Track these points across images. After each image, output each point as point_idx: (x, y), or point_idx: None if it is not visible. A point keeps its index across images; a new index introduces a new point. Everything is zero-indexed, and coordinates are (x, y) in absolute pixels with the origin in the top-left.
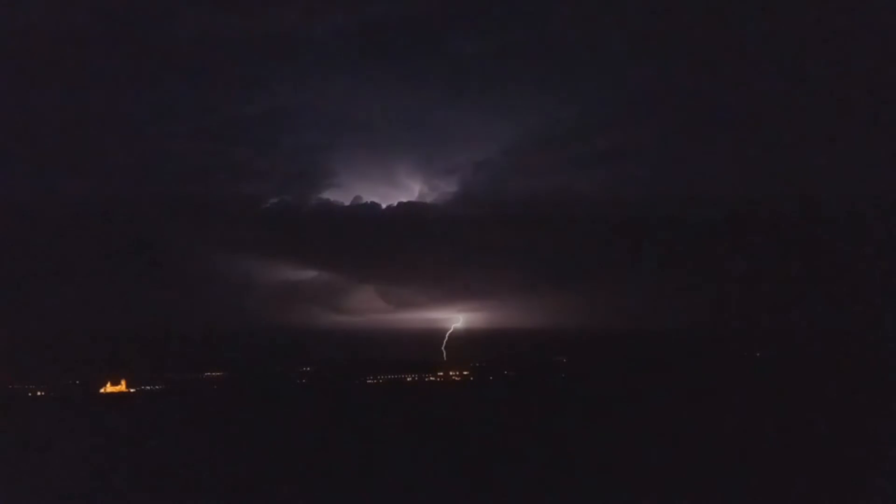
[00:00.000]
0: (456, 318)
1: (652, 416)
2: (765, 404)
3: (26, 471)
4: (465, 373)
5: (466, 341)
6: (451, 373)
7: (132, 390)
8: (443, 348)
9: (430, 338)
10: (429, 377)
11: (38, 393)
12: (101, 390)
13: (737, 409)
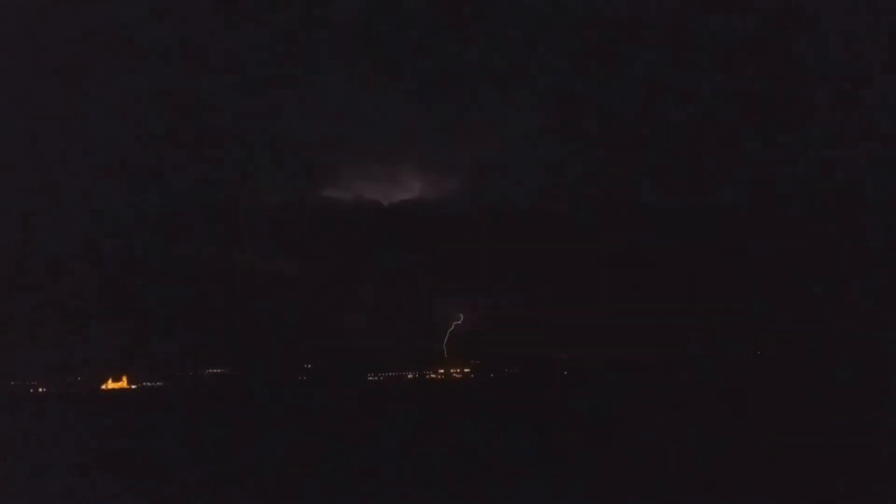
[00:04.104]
0: (457, 316)
1: (652, 415)
2: (764, 403)
3: (25, 469)
4: (465, 370)
5: (467, 339)
6: (451, 370)
7: (133, 387)
8: (444, 345)
9: (431, 335)
10: (429, 374)
11: (41, 389)
12: (103, 387)
13: (739, 409)
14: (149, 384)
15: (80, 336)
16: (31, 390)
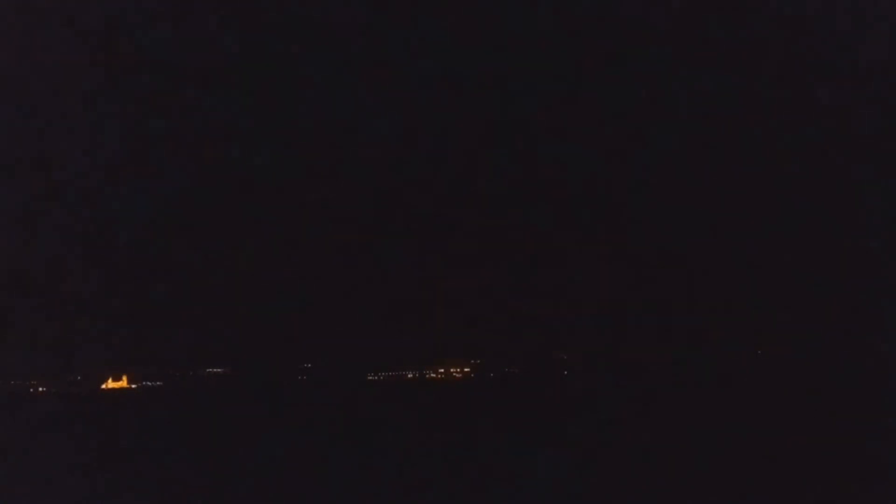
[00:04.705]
0: (457, 315)
1: (653, 415)
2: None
3: (25, 469)
4: (465, 369)
5: (467, 338)
6: (451, 370)
7: (133, 386)
8: (444, 345)
9: (431, 335)
10: (429, 374)
11: (41, 389)
12: (103, 386)
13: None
14: (149, 384)
15: (80, 336)
16: (31, 390)
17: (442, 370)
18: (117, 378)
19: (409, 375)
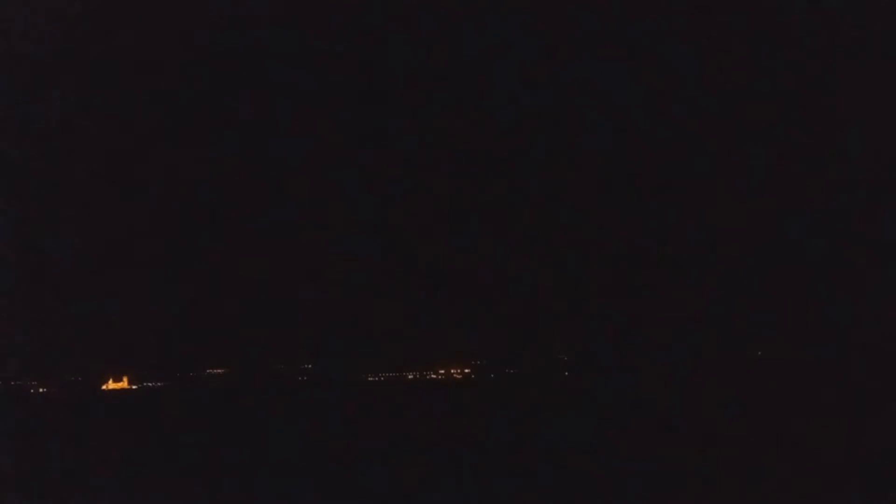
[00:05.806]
0: (457, 316)
1: (653, 415)
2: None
3: (25, 469)
4: (466, 370)
5: (467, 338)
6: (452, 370)
7: (134, 387)
8: (444, 345)
9: (431, 335)
10: (430, 374)
11: (41, 390)
12: (104, 387)
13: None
14: (149, 384)
15: (80, 336)
16: (31, 390)
17: (442, 371)
18: (118, 379)
19: (410, 377)
